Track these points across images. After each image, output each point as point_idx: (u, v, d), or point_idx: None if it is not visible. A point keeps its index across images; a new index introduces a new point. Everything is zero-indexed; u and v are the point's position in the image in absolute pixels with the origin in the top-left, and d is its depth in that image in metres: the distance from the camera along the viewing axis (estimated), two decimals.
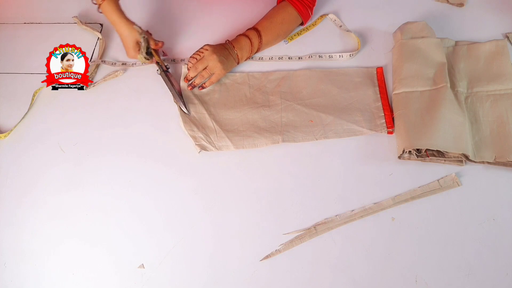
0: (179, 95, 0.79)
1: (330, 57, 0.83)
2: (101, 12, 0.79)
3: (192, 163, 0.73)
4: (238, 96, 0.80)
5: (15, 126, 0.79)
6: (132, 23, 0.79)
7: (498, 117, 0.73)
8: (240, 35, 0.81)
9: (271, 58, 0.84)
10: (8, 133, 0.78)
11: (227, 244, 0.66)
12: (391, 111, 0.75)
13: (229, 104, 0.79)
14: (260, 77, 0.82)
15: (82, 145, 0.77)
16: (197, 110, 0.78)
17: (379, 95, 0.78)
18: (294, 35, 0.87)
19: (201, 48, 0.79)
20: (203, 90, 0.80)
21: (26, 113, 0.81)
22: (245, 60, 0.83)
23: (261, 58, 0.84)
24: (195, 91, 0.80)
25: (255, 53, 0.83)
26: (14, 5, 0.97)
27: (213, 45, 0.79)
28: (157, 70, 0.82)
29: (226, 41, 0.81)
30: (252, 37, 0.80)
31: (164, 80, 0.81)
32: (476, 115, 0.74)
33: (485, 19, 0.87)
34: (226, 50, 0.79)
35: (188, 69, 0.79)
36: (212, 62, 0.77)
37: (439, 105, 0.71)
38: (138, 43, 0.79)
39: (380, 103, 0.77)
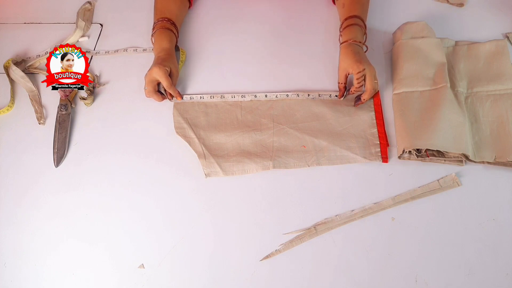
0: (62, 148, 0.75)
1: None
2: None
3: (193, 163, 0.73)
4: (229, 119, 0.77)
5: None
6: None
7: (498, 117, 0.73)
8: (347, 27, 0.78)
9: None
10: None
11: (227, 244, 0.66)
12: (387, 140, 0.73)
13: (220, 127, 0.76)
14: (253, 99, 0.80)
15: (82, 145, 0.77)
16: (186, 135, 0.76)
17: (375, 121, 0.75)
18: None
19: (358, 73, 0.72)
20: (193, 113, 0.78)
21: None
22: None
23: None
24: (186, 116, 0.78)
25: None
26: (14, 5, 0.97)
27: (354, 57, 0.73)
28: None
29: (351, 41, 0.76)
30: (357, 22, 0.78)
31: (60, 123, 0.77)
32: (476, 115, 0.74)
33: (485, 19, 0.87)
34: (358, 47, 0.76)
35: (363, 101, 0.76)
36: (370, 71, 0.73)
37: (439, 105, 0.71)
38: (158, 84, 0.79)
39: (375, 130, 0.74)
